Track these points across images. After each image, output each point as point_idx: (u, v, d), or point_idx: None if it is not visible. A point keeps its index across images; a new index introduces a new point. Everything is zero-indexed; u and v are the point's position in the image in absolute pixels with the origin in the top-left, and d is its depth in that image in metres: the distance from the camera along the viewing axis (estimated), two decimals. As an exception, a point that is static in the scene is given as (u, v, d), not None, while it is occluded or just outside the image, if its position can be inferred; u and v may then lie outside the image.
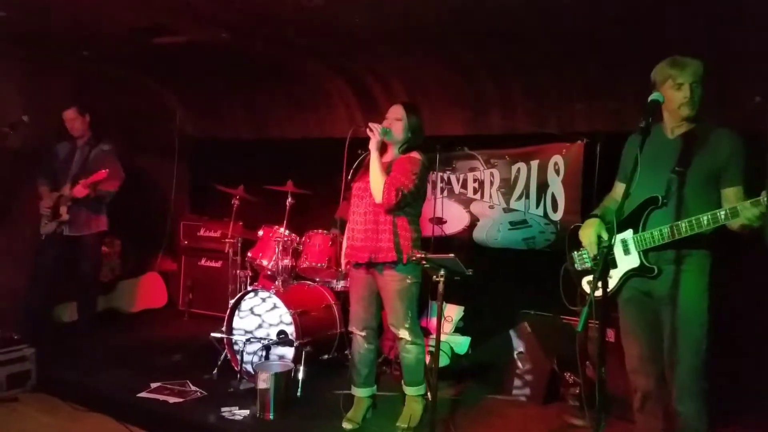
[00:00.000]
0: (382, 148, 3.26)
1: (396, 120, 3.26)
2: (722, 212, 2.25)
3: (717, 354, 2.46)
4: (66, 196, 4.52)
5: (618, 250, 2.56)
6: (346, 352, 3.95)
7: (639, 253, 2.49)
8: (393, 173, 3.14)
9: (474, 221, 4.96)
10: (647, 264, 2.47)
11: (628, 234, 2.53)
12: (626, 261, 2.54)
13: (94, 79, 5.45)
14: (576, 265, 2.79)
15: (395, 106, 3.34)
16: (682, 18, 3.31)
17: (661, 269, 2.46)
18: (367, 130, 3.16)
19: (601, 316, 2.20)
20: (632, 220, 2.52)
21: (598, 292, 2.49)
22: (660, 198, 2.44)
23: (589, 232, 2.59)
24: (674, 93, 2.44)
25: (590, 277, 2.70)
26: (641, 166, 2.42)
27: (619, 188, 2.70)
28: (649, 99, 2.35)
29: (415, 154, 3.23)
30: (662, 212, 2.45)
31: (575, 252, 2.78)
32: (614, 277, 2.57)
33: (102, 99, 5.56)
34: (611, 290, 2.56)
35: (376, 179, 3.12)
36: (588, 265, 2.71)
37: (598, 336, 2.25)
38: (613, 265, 2.57)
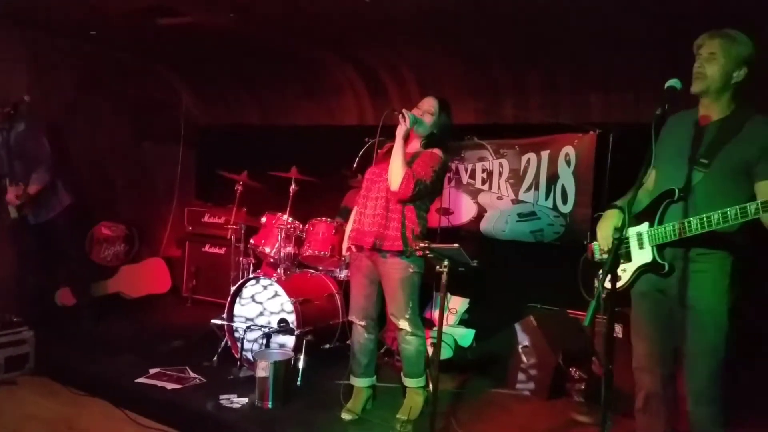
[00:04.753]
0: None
1: (428, 113, 3.21)
2: (752, 207, 2.04)
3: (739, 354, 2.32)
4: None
5: (633, 243, 2.43)
6: (348, 342, 3.90)
7: (652, 248, 2.35)
8: (415, 165, 3.10)
9: (482, 212, 4.87)
10: (659, 260, 2.33)
11: (643, 227, 2.40)
12: (640, 255, 2.41)
13: (100, 63, 5.40)
14: (596, 256, 2.65)
15: (429, 98, 3.27)
16: (702, 7, 3.20)
17: (674, 267, 2.31)
18: (399, 116, 3.10)
19: (610, 311, 2.09)
20: (649, 212, 2.39)
21: (611, 286, 2.39)
22: (677, 191, 2.28)
23: (605, 225, 2.49)
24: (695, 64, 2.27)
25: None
26: (669, 154, 2.32)
27: (653, 174, 2.51)
28: (666, 85, 2.19)
29: (438, 151, 3.19)
30: (679, 206, 2.29)
31: (596, 243, 2.64)
32: (628, 271, 2.44)
33: (108, 83, 5.54)
34: (624, 284, 2.45)
35: (397, 167, 3.06)
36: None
37: (605, 331, 2.15)
38: (628, 258, 2.45)
